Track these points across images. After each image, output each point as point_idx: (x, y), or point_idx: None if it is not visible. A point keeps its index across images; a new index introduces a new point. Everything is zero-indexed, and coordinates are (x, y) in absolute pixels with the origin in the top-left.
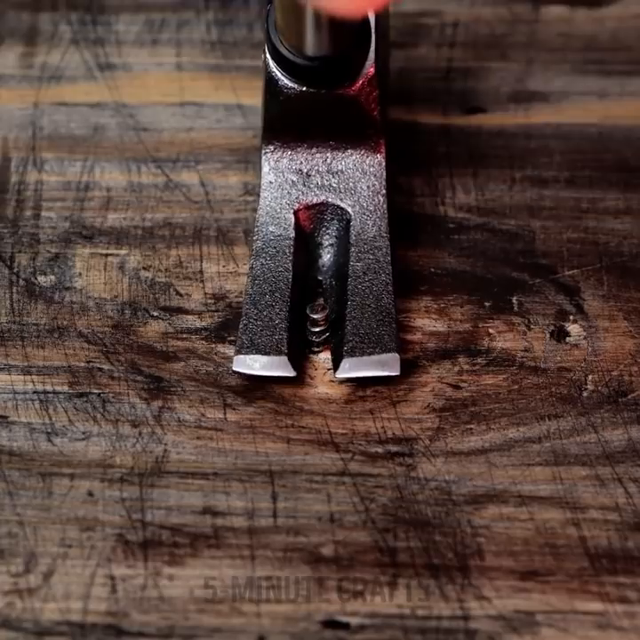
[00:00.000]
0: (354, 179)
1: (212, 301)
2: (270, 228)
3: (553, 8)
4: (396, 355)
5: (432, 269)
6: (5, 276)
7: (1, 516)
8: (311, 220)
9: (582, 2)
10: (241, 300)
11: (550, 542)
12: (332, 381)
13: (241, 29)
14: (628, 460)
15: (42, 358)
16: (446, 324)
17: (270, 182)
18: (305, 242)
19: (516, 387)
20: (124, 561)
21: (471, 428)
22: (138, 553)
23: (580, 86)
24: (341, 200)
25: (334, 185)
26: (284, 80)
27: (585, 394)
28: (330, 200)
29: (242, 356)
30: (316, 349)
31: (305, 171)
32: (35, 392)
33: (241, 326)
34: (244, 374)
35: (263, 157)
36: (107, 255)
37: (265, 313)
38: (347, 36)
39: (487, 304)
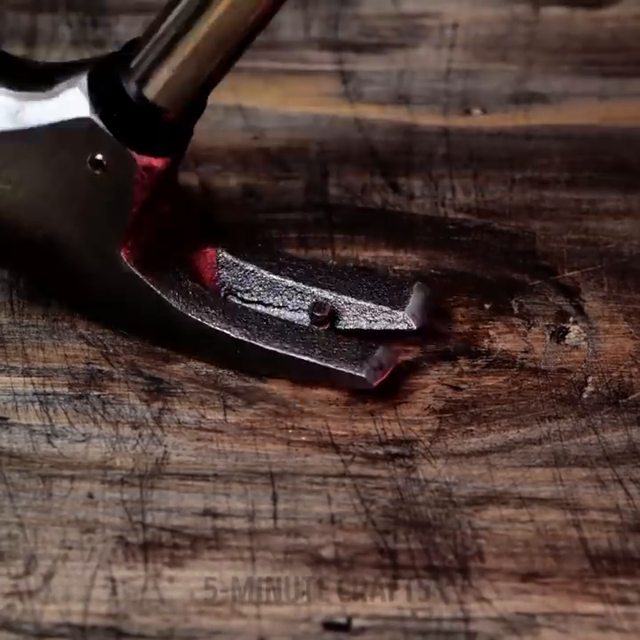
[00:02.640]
0: None
1: None
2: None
3: (553, 9)
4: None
5: (432, 271)
6: (5, 278)
7: (1, 518)
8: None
9: (582, 3)
10: None
11: (551, 544)
12: None
13: None
14: (629, 462)
15: (42, 360)
16: (446, 325)
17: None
18: None
19: (517, 388)
20: (124, 563)
21: (471, 430)
22: (138, 555)
23: (579, 87)
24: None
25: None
26: (153, 160)
27: (585, 395)
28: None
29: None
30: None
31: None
32: (35, 394)
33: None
34: None
35: (133, 268)
36: None
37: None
38: None
39: (487, 305)
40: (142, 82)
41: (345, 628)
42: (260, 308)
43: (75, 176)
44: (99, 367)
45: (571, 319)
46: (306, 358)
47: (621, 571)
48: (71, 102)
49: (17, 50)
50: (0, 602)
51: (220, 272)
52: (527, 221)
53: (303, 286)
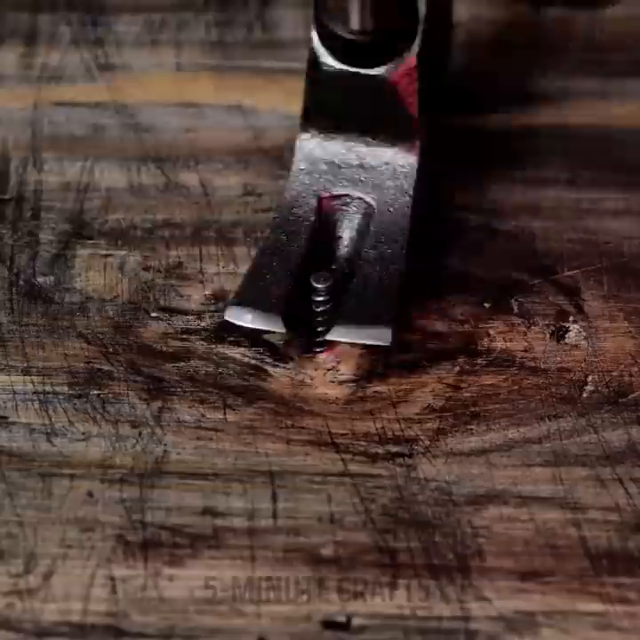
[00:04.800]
0: (384, 176)
1: (212, 302)
2: (293, 210)
3: (553, 9)
4: (389, 328)
5: (432, 270)
6: (5, 277)
7: (1, 517)
8: (334, 211)
9: (582, 2)
10: None
11: (551, 543)
12: (333, 382)
13: (240, 30)
14: (629, 461)
15: (41, 359)
16: (446, 324)
17: (301, 168)
18: (324, 230)
19: (516, 387)
20: (123, 561)
21: (471, 429)
22: (138, 553)
23: (580, 87)
24: (367, 194)
25: (363, 179)
26: (327, 58)
27: (585, 394)
28: (356, 193)
29: (235, 308)
30: (320, 328)
31: (337, 162)
32: (34, 393)
33: (242, 284)
34: (234, 325)
35: (298, 143)
36: (106, 256)
37: (269, 279)
38: (393, 12)
39: (487, 304)
40: None
41: (345, 626)
42: None
43: None
44: (98, 366)
45: (571, 318)
46: None
47: (621, 570)
48: None
49: (17, 49)
50: (0, 600)
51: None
52: (527, 221)
53: None
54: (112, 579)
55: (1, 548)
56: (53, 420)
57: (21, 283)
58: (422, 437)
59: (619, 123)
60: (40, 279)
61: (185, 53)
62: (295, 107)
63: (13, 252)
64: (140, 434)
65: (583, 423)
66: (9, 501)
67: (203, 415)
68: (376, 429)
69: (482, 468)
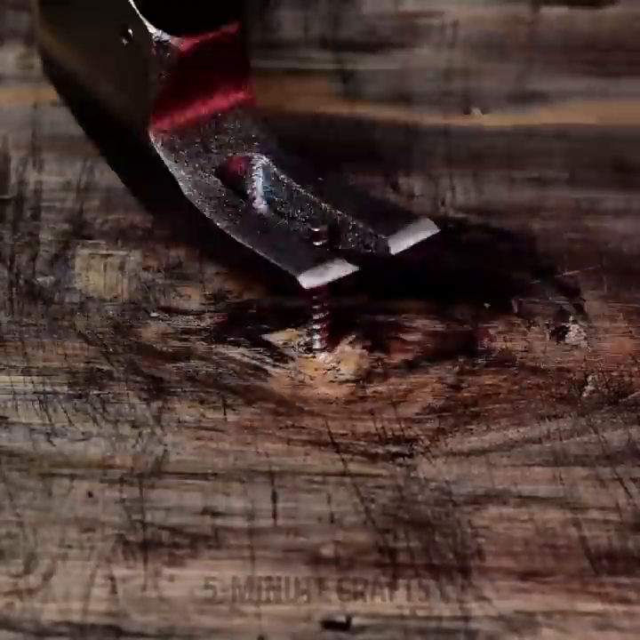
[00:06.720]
0: (244, 127)
1: (212, 302)
2: (208, 201)
3: (553, 9)
4: (426, 218)
5: (432, 270)
6: (5, 277)
7: (1, 517)
8: (235, 178)
9: (582, 2)
10: (240, 300)
11: (550, 543)
12: (333, 382)
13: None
14: (629, 461)
15: (41, 359)
16: (446, 324)
17: (175, 162)
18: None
19: (516, 387)
20: (123, 561)
21: (471, 429)
22: (138, 553)
23: (579, 86)
24: (246, 150)
25: (232, 141)
26: (170, 38)
27: (585, 394)
28: (237, 154)
29: (305, 274)
30: (316, 327)
31: (199, 142)
32: (34, 393)
33: (274, 260)
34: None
35: (159, 149)
36: (106, 256)
37: (282, 244)
38: None
39: (487, 304)
40: None
41: (345, 626)
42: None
43: (112, 40)
44: (98, 366)
45: (571, 318)
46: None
47: (621, 569)
48: None
49: (17, 49)
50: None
51: (254, 178)
52: (527, 221)
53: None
54: (112, 579)
55: (1, 547)
56: (53, 420)
57: (21, 283)
58: (422, 437)
59: (619, 123)
60: (40, 279)
61: None
62: (295, 107)
63: (13, 252)
64: (140, 434)
65: (583, 423)
66: (9, 501)
67: (203, 415)
68: (376, 429)
69: (482, 468)
